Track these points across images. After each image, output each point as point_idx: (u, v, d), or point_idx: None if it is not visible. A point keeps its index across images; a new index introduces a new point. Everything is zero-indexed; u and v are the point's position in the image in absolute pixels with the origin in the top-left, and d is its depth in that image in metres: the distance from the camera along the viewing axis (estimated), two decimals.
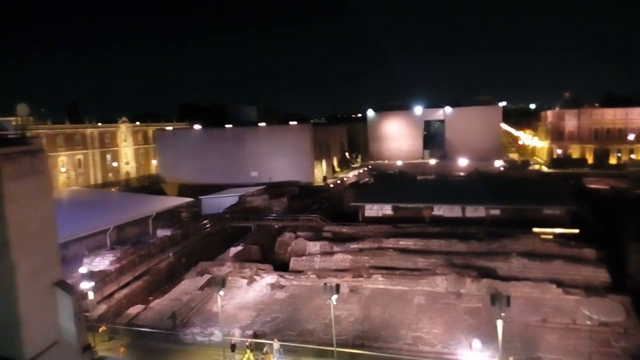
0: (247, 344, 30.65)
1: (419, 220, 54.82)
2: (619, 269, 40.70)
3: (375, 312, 35.98)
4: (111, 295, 39.40)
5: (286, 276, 42.95)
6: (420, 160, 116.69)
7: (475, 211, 55.80)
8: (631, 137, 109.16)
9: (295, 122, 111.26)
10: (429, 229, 50.74)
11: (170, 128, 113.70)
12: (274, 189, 79.22)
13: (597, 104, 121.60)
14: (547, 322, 32.75)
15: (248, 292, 41.10)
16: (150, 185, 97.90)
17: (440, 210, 57.19)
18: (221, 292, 30.77)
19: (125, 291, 40.51)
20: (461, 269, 40.18)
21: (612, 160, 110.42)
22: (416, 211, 57.35)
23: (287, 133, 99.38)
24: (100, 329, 33.94)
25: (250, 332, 33.11)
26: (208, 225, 58.87)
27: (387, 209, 59.75)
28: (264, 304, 38.66)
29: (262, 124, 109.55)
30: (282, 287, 41.64)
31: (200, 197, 71.83)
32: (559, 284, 36.83)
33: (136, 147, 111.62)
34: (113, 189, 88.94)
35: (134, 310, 38.02)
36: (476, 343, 27.94)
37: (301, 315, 36.22)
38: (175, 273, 46.56)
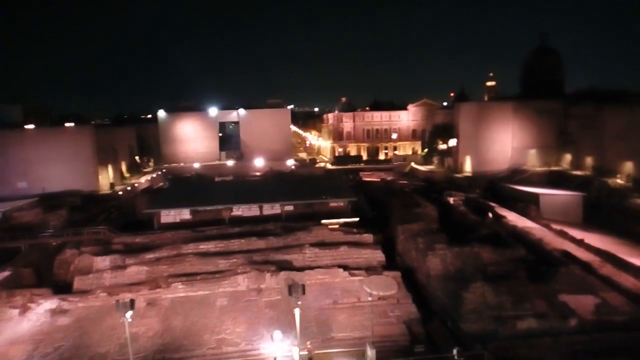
0: None
1: (219, 222, 54.66)
2: (390, 249, 47.64)
3: (177, 322, 34.53)
4: None
5: (70, 299, 37.89)
6: (217, 162, 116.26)
7: (271, 208, 58.33)
8: (394, 136, 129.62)
9: (72, 124, 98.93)
10: (229, 230, 50.95)
11: None
12: (50, 201, 69.15)
13: (367, 108, 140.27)
14: (338, 303, 36.19)
15: (21, 323, 34.98)
16: None
17: (239, 211, 58.08)
18: None
19: None
20: (261, 265, 41.52)
21: (381, 156, 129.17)
22: (215, 213, 57.03)
23: (62, 136, 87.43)
24: None
25: None
26: None
27: (185, 214, 57.89)
28: (44, 334, 33.44)
29: (30, 126, 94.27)
30: (65, 311, 36.57)
31: None
32: (345, 267, 41.05)
33: None
34: None
35: None
36: (277, 334, 29.20)
37: (91, 339, 32.45)
38: None
